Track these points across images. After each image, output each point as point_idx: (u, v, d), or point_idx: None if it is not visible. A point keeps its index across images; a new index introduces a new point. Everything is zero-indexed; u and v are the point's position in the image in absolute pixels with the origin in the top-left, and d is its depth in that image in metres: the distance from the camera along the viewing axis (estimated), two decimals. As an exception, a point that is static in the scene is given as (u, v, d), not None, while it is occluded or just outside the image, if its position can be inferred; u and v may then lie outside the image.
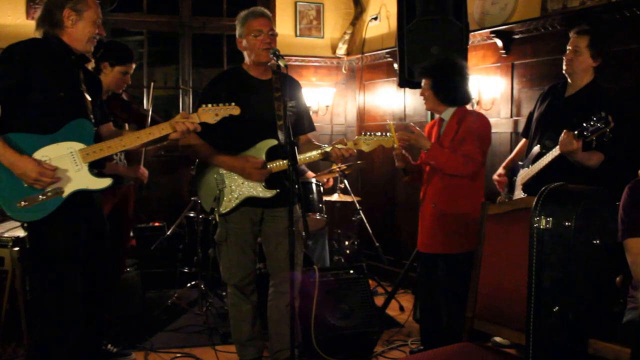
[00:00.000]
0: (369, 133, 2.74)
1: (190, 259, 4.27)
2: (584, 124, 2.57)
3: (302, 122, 2.90)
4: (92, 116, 2.37)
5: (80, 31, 2.32)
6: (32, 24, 4.59)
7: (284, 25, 5.26)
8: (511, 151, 3.46)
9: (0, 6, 4.58)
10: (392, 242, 4.86)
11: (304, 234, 2.74)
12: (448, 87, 2.89)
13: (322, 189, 4.19)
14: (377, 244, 4.41)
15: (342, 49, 5.43)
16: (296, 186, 2.32)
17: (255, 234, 2.85)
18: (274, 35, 2.72)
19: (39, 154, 2.23)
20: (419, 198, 3.07)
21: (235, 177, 2.75)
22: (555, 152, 2.74)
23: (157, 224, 4.56)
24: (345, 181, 4.48)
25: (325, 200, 4.23)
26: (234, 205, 2.75)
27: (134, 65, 3.27)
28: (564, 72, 2.95)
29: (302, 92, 2.95)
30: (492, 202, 2.30)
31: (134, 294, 3.79)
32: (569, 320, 1.72)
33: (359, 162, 4.28)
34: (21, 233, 2.91)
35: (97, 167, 2.36)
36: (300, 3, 5.35)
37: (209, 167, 2.81)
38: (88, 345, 2.60)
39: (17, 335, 3.04)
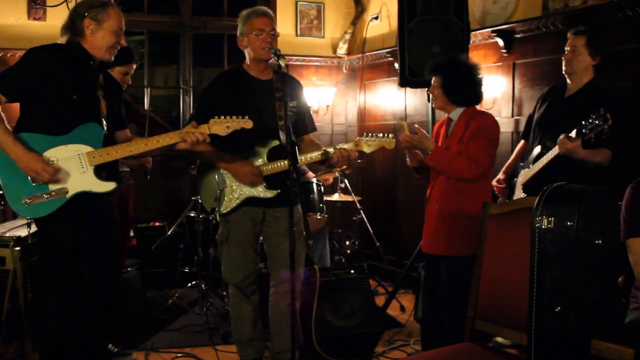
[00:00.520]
0: (370, 134, 2.71)
1: (190, 259, 4.26)
2: (583, 122, 2.58)
3: (303, 122, 2.89)
4: (104, 121, 2.43)
5: (99, 40, 2.41)
6: (33, 24, 4.60)
7: (285, 24, 5.26)
8: (512, 151, 3.46)
9: (2, 7, 4.58)
10: (393, 242, 4.86)
11: (305, 233, 2.73)
12: (459, 87, 2.83)
13: (322, 188, 4.19)
14: (378, 244, 4.41)
15: (342, 49, 5.43)
16: (297, 186, 2.32)
17: (257, 233, 2.84)
18: (275, 36, 2.71)
19: (47, 154, 2.33)
20: (422, 198, 3.05)
21: (236, 177, 2.75)
22: (554, 151, 2.74)
23: (157, 224, 4.57)
24: (346, 181, 4.48)
25: (326, 200, 4.22)
26: (234, 205, 2.74)
27: (134, 66, 3.27)
28: (563, 72, 2.95)
29: (303, 92, 2.95)
30: (494, 202, 2.30)
31: (135, 293, 3.79)
32: (570, 320, 1.72)
33: (359, 160, 4.27)
34: (23, 233, 2.91)
35: (107, 172, 2.43)
36: (301, 3, 5.35)
37: (210, 166, 2.80)
38: (91, 346, 2.62)
39: (19, 334, 3.04)
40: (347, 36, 5.41)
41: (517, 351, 2.92)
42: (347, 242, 4.62)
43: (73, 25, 2.42)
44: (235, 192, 2.75)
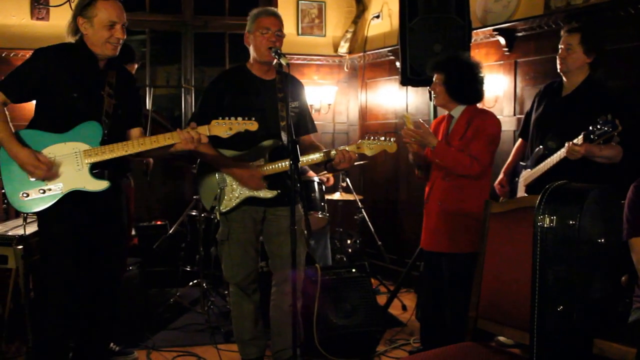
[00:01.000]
0: (372, 137, 2.70)
1: (192, 258, 4.27)
2: (590, 127, 2.53)
3: (305, 122, 2.89)
4: (106, 119, 2.44)
5: (92, 36, 2.41)
6: (36, 24, 4.61)
7: (286, 23, 5.15)
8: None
9: (5, 7, 4.59)
10: (394, 241, 4.85)
11: (306, 232, 2.73)
12: (461, 84, 2.83)
13: (323, 187, 4.18)
14: (379, 243, 4.40)
15: (344, 48, 5.42)
16: (298, 185, 2.31)
17: (257, 232, 2.84)
18: (280, 37, 2.73)
19: (46, 151, 2.37)
20: (423, 196, 3.05)
21: (237, 176, 2.74)
22: (561, 154, 2.70)
23: (159, 223, 4.57)
24: (348, 180, 4.48)
25: (327, 199, 4.22)
26: (234, 204, 2.74)
27: (136, 65, 3.26)
28: (558, 70, 2.93)
29: (305, 93, 2.94)
30: (495, 201, 2.29)
31: (136, 292, 3.79)
32: (573, 319, 1.71)
33: (362, 162, 4.26)
34: (25, 231, 2.91)
35: (110, 170, 2.44)
36: (302, 2, 5.34)
37: (211, 165, 2.80)
38: (91, 343, 2.63)
39: (21, 333, 3.04)
40: (349, 35, 5.40)
41: (519, 351, 2.92)
42: (349, 241, 4.62)
43: (73, 26, 2.45)
44: (236, 191, 2.74)
